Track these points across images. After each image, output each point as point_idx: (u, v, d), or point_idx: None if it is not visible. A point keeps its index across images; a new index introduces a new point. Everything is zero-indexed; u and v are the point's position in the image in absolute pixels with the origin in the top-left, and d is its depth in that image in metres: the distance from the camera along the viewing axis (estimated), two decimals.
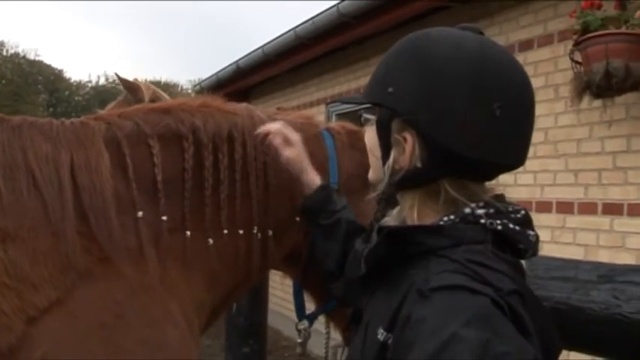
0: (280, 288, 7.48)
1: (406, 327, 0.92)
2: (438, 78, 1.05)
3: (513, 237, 1.06)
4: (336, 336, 2.20)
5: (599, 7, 3.26)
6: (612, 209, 3.69)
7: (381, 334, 1.00)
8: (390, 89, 1.08)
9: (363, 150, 1.90)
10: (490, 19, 4.82)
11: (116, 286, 1.31)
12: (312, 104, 7.82)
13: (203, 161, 1.55)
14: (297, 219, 1.75)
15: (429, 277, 0.96)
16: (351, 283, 1.48)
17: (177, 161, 1.52)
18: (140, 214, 1.40)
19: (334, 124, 2.00)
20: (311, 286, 1.97)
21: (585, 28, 3.22)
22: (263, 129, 1.64)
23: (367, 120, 1.20)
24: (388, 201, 1.20)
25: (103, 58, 78.04)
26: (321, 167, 1.80)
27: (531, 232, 1.10)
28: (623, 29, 3.19)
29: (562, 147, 4.00)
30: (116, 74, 3.27)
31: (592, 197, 3.80)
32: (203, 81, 9.90)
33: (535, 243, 1.10)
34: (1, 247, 1.22)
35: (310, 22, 6.51)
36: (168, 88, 41.90)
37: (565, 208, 3.96)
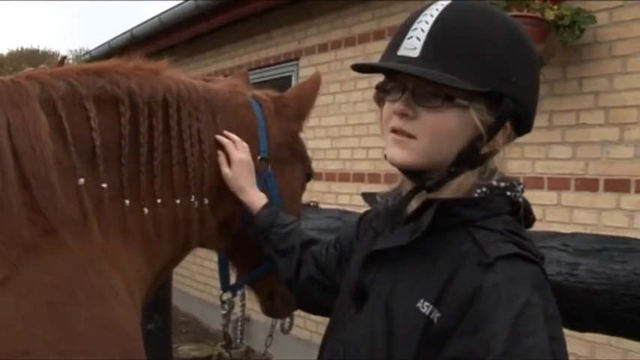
0: None
1: (476, 299, 0.96)
2: (535, 66, 1.16)
3: (528, 208, 1.15)
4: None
5: None
6: (534, 183, 3.87)
7: (426, 307, 1.02)
8: (513, 79, 1.09)
9: (287, 117, 1.91)
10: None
11: (63, 261, 1.21)
12: (209, 76, 7.65)
13: (139, 126, 1.48)
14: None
15: (484, 247, 1.01)
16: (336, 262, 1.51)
17: (114, 126, 1.44)
18: (81, 181, 1.30)
19: (259, 91, 1.97)
20: (237, 256, 1.94)
21: None
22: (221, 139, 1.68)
23: (452, 103, 1.08)
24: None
25: None
26: (251, 135, 1.78)
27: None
28: (525, 12, 3.37)
29: None
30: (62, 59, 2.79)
31: (516, 172, 3.99)
32: (93, 50, 9.40)
33: None
34: None
35: None
36: (47, 57, 39.49)
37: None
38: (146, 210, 1.47)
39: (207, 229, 1.65)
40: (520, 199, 1.13)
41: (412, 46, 1.09)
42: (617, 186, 3.46)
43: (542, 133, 3.78)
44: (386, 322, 1.08)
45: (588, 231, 3.24)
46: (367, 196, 1.38)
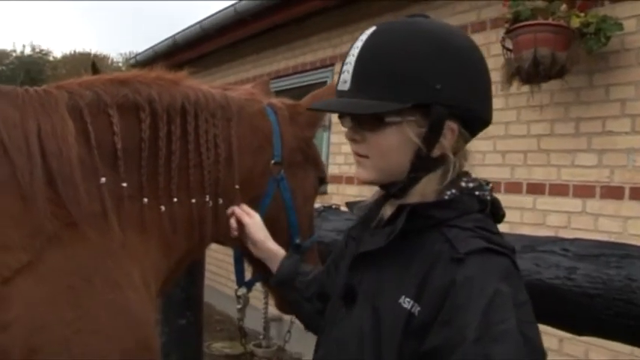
0: (213, 262, 7.53)
1: (451, 292, 1.04)
2: (469, 66, 1.19)
3: (497, 205, 1.23)
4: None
5: None
6: (535, 189, 3.93)
7: (407, 302, 1.10)
8: (438, 86, 1.13)
9: (301, 124, 2.00)
10: (426, 3, 4.96)
11: (83, 251, 1.35)
12: (248, 81, 7.84)
13: (158, 132, 1.60)
14: (237, 187, 1.82)
15: (455, 244, 1.09)
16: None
17: (135, 131, 1.57)
18: (103, 180, 1.44)
19: (275, 99, 2.06)
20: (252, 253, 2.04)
21: (516, 17, 3.41)
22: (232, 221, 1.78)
23: (385, 123, 1.17)
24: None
25: (27, 26, 74.48)
26: (266, 140, 1.88)
27: None
28: (550, 20, 3.40)
29: (491, 129, 4.18)
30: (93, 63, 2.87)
31: (518, 177, 4.03)
32: (139, 54, 9.72)
33: None
34: None
35: None
36: (98, 60, 40.60)
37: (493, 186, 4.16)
38: (163, 208, 1.59)
39: (221, 227, 1.76)
40: (488, 198, 1.21)
41: (344, 79, 1.20)
42: None
43: (568, 141, 3.80)
44: (373, 319, 1.16)
45: (613, 239, 3.26)
46: (350, 205, 1.46)
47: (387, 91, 1.14)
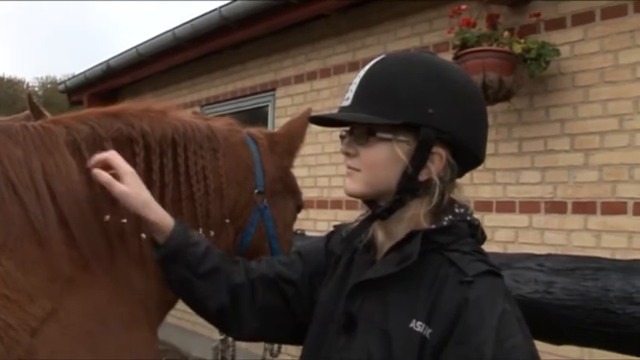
0: None
1: (463, 312, 1.11)
2: (466, 98, 1.27)
3: (481, 228, 1.32)
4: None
5: (474, 25, 3.63)
6: (483, 206, 4.09)
7: (419, 326, 1.15)
8: (430, 110, 1.20)
9: (279, 154, 2.03)
10: (368, 29, 5.11)
11: (96, 293, 1.33)
12: (185, 106, 7.77)
13: (151, 165, 1.60)
14: (227, 221, 1.83)
15: (462, 268, 1.17)
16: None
17: (130, 165, 1.56)
18: (107, 217, 1.43)
19: (253, 129, 2.09)
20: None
21: (464, 44, 3.58)
22: (95, 159, 1.41)
23: (377, 138, 1.24)
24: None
25: None
26: (249, 171, 1.90)
27: None
28: (495, 46, 3.58)
29: None
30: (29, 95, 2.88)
31: (465, 196, 4.16)
32: (70, 79, 9.46)
33: None
34: None
35: (189, 24, 6.49)
36: (13, 85, 39.22)
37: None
38: None
39: None
40: (476, 223, 1.31)
41: (347, 97, 1.30)
42: (584, 208, 3.66)
43: (513, 159, 3.99)
44: (383, 344, 1.19)
45: (559, 251, 3.44)
46: (339, 227, 1.50)
47: (382, 108, 1.22)
